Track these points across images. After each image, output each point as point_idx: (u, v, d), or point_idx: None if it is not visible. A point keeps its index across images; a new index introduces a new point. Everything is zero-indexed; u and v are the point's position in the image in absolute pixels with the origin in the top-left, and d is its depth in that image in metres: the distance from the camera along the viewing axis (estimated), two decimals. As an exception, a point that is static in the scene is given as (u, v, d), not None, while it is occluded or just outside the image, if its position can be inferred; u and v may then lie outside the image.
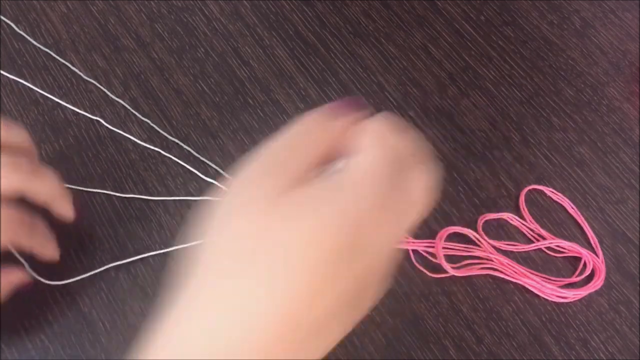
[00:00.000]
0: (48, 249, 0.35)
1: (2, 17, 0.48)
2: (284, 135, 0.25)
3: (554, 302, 0.40)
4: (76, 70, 0.46)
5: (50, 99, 0.45)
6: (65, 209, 0.35)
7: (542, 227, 0.43)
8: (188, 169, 0.43)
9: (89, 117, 0.45)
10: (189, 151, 0.44)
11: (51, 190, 0.34)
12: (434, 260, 0.41)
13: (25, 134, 0.35)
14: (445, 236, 0.42)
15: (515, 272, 0.41)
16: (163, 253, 0.40)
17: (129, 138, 0.44)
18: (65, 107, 0.45)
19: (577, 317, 0.40)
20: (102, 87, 0.46)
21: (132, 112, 0.45)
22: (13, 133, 0.34)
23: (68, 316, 0.38)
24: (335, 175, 0.23)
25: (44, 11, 0.49)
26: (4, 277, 0.34)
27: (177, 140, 0.44)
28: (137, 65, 0.47)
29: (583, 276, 0.41)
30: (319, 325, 0.22)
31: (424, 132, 0.46)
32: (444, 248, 0.41)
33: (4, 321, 0.37)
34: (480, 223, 0.42)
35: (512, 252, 0.42)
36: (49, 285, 0.38)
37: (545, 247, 0.42)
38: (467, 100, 0.48)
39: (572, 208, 0.43)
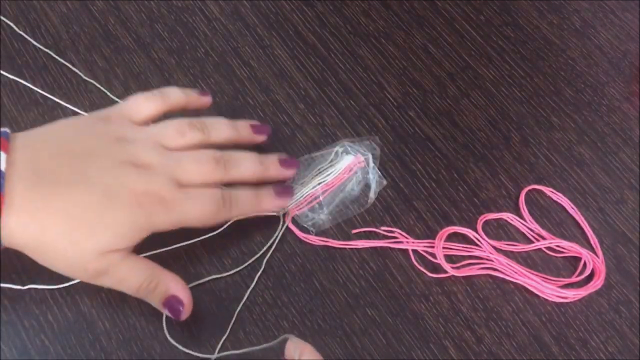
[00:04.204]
0: (263, 205, 0.40)
1: (2, 17, 0.48)
2: None
3: (554, 302, 0.40)
4: (76, 70, 0.46)
5: (50, 99, 0.45)
6: (275, 176, 0.40)
7: (542, 227, 0.43)
8: (188, 169, 0.43)
9: (89, 117, 0.44)
10: (189, 151, 0.44)
11: (252, 172, 0.39)
12: (434, 260, 0.41)
13: (226, 127, 0.40)
14: (445, 236, 0.42)
15: (515, 272, 0.41)
16: (163, 253, 0.40)
17: (129, 138, 0.44)
18: (65, 107, 0.45)
19: (577, 317, 0.40)
20: (102, 87, 0.46)
21: (132, 112, 0.45)
22: (215, 130, 0.40)
23: (68, 316, 0.38)
24: None
25: (44, 11, 0.49)
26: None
27: (177, 140, 0.44)
28: (137, 65, 0.47)
29: (583, 276, 0.41)
30: None
31: (424, 132, 0.46)
32: (444, 248, 0.41)
33: (4, 321, 0.37)
34: (480, 223, 0.42)
35: (512, 252, 0.42)
36: (48, 283, 0.38)
37: (545, 247, 0.42)
38: (467, 100, 0.48)
39: (572, 208, 0.43)
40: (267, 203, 0.39)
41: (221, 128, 0.40)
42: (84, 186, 0.34)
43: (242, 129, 0.41)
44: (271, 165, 0.40)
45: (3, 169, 0.32)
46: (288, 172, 0.41)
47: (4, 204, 0.32)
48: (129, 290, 0.36)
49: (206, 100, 0.42)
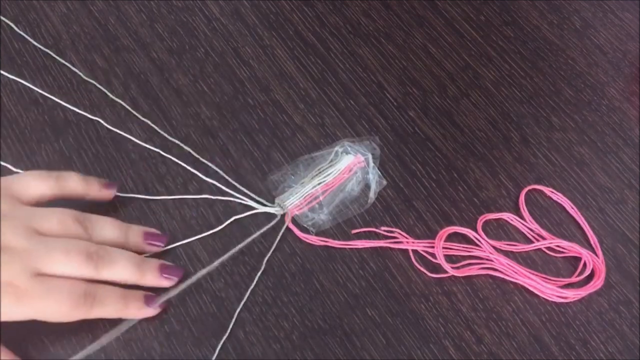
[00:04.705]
0: (129, 310, 0.36)
1: (2, 17, 0.48)
2: None
3: (554, 302, 0.40)
4: (76, 70, 0.46)
5: (50, 99, 0.45)
6: (150, 284, 0.37)
7: (542, 227, 0.43)
8: (188, 169, 0.43)
9: (89, 117, 0.45)
10: (189, 151, 0.44)
11: (124, 276, 0.36)
12: (434, 260, 0.41)
13: (113, 228, 0.38)
14: (445, 236, 0.42)
15: (515, 272, 0.41)
16: (162, 253, 0.40)
17: (129, 138, 0.44)
18: (65, 107, 0.45)
19: (577, 317, 0.40)
20: (102, 87, 0.46)
21: (132, 112, 0.45)
22: (101, 229, 0.37)
23: (68, 316, 0.38)
24: None
25: (44, 11, 0.49)
26: None
27: (177, 141, 0.44)
28: (137, 65, 0.47)
29: (583, 276, 0.41)
30: None
31: (423, 132, 0.46)
32: (443, 248, 0.41)
33: (4, 322, 0.37)
34: (480, 223, 0.42)
35: (512, 252, 0.42)
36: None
37: (545, 247, 0.42)
38: (467, 100, 0.48)
39: (572, 208, 0.43)
40: (134, 310, 0.36)
41: (107, 229, 0.37)
42: None
43: (132, 235, 0.38)
44: (149, 272, 0.37)
45: None
46: (166, 282, 0.38)
47: None
48: None
49: (108, 193, 0.39)
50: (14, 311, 0.32)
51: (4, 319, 0.32)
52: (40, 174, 0.37)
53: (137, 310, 0.36)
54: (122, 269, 0.36)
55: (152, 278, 0.37)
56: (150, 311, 0.37)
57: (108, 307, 0.35)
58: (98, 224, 0.37)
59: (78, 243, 0.35)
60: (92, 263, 0.34)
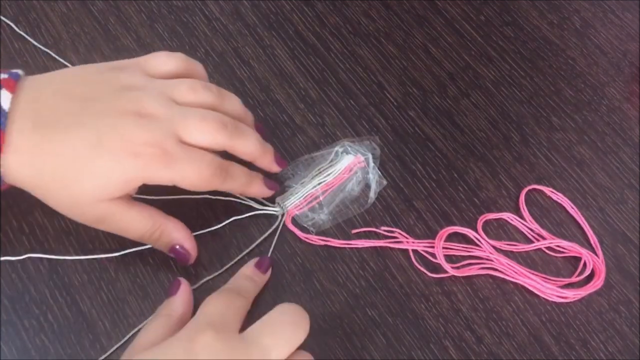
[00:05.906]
0: (252, 188, 0.39)
1: (2, 17, 0.48)
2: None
3: (554, 302, 0.40)
4: (76, 70, 0.46)
5: (50, 99, 0.45)
6: (267, 164, 0.39)
7: (542, 227, 0.43)
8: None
9: (89, 117, 0.44)
10: (189, 151, 0.44)
11: (253, 149, 0.38)
12: (434, 260, 0.41)
13: (239, 103, 0.40)
14: (445, 236, 0.42)
15: (515, 272, 0.41)
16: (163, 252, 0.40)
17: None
18: (65, 107, 0.45)
19: (577, 317, 0.40)
20: (102, 87, 0.46)
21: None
22: (229, 100, 0.39)
23: (68, 316, 0.38)
24: None
25: (44, 11, 0.49)
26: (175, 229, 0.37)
27: (177, 140, 0.44)
28: (137, 65, 0.47)
29: (583, 276, 0.41)
30: None
31: (424, 132, 0.46)
32: (444, 248, 0.41)
33: (4, 321, 0.37)
34: (480, 223, 0.42)
35: (512, 252, 0.42)
36: (48, 283, 0.38)
37: (545, 247, 0.42)
38: (467, 100, 0.48)
39: (572, 208, 0.43)
40: (257, 188, 0.39)
41: (234, 100, 0.39)
42: (76, 131, 0.33)
43: (249, 118, 0.41)
44: (269, 152, 0.39)
45: (7, 108, 0.32)
46: (276, 167, 0.40)
47: (4, 142, 0.32)
48: (132, 237, 0.36)
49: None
50: (162, 174, 0.34)
51: (151, 181, 0.34)
52: (169, 52, 0.38)
53: (258, 189, 0.39)
54: (252, 143, 0.37)
55: (270, 158, 0.39)
56: (268, 192, 0.40)
57: (236, 182, 0.37)
58: (227, 94, 0.39)
59: (212, 112, 0.36)
60: (227, 132, 0.36)
